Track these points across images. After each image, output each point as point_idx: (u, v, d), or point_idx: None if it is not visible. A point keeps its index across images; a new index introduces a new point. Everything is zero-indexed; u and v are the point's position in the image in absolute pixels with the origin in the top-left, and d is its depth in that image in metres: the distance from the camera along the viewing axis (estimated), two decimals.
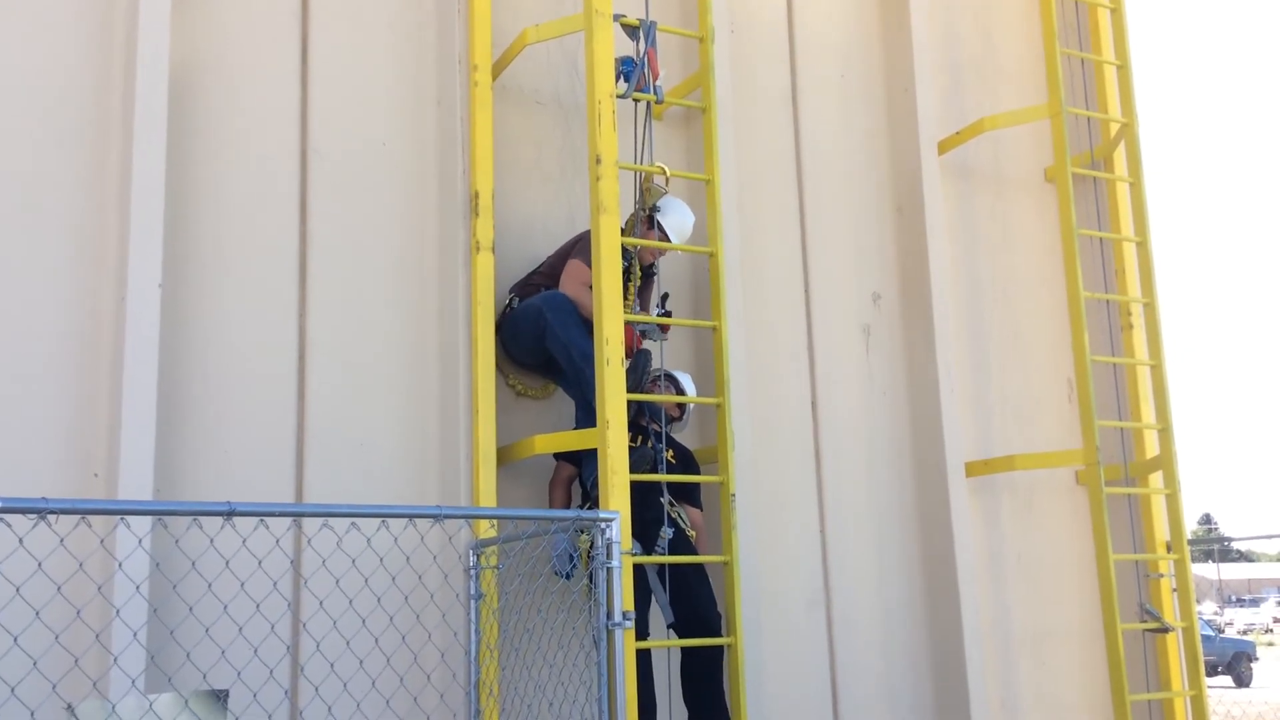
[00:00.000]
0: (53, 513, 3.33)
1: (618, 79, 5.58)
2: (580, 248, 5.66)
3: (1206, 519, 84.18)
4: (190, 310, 5.24)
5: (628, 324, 5.38)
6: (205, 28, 5.54)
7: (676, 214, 5.92)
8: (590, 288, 5.36)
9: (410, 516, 4.29)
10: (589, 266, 5.48)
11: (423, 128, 5.95)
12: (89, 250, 5.06)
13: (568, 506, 5.65)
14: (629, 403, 5.22)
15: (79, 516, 3.57)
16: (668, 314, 5.75)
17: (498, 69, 6.01)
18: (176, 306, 5.17)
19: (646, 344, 5.67)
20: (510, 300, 5.82)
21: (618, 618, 4.37)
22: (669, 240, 5.87)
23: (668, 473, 5.53)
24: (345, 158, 5.75)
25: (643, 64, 5.70)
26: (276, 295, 5.48)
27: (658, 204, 5.86)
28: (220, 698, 3.74)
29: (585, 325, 5.45)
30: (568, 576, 5.09)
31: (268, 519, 3.91)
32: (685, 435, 6.07)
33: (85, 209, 5.09)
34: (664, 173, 5.78)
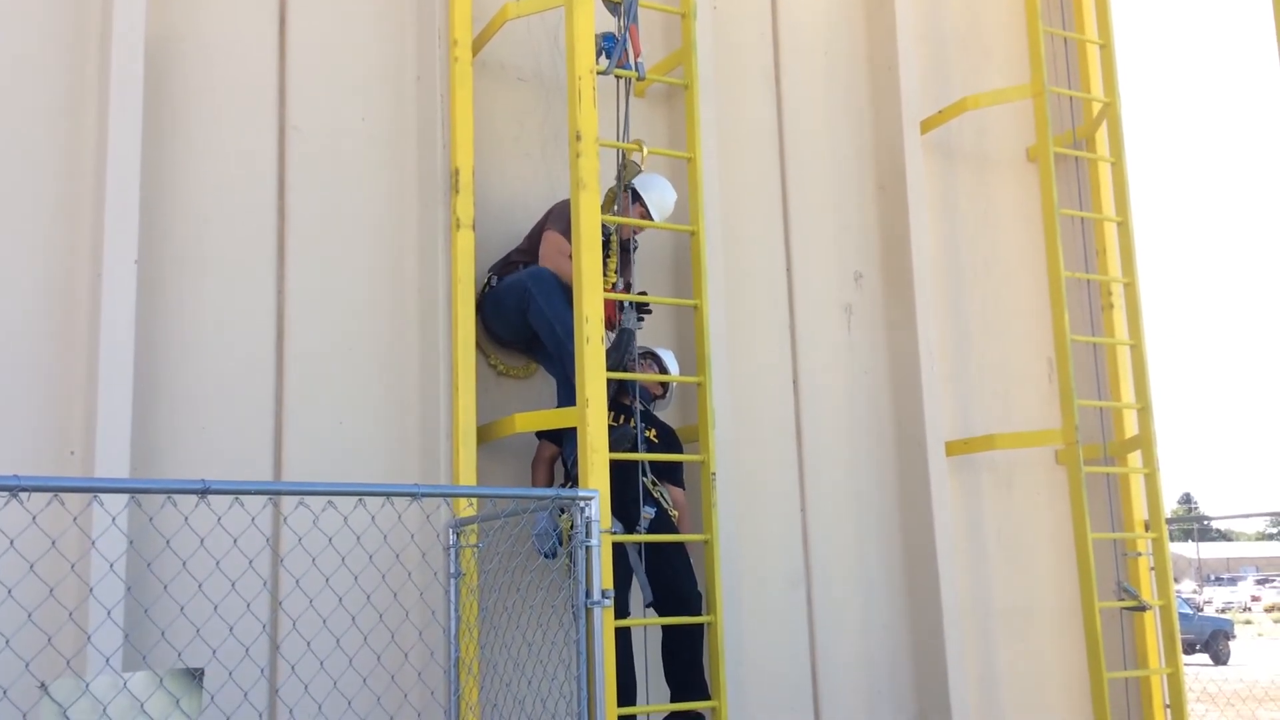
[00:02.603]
0: (25, 490, 3.30)
1: (599, 55, 5.54)
2: (554, 217, 5.64)
3: (1186, 498, 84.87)
4: (167, 287, 5.20)
5: (607, 299, 5.36)
6: (182, 2, 5.47)
7: (658, 190, 5.89)
8: (569, 257, 5.34)
9: (387, 495, 4.27)
10: (564, 236, 5.46)
11: (402, 104, 5.91)
12: (64, 227, 5.02)
13: (550, 485, 5.64)
14: (610, 381, 5.20)
15: (52, 494, 3.53)
16: (643, 293, 5.75)
17: (478, 45, 5.96)
18: (153, 283, 5.13)
19: (626, 321, 5.65)
20: (489, 279, 5.79)
21: (597, 596, 4.36)
22: (650, 216, 5.84)
23: (650, 451, 5.52)
24: (324, 134, 5.71)
25: (624, 40, 5.66)
26: (254, 272, 5.44)
27: (638, 180, 5.84)
28: (196, 676, 3.72)
29: (570, 299, 5.43)
30: (550, 555, 5.08)
31: (243, 497, 3.87)
32: (666, 414, 6.06)
33: (61, 185, 5.04)
34: (641, 149, 5.74)
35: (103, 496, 4.00)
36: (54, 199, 5.02)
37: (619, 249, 5.79)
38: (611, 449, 5.08)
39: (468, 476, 5.39)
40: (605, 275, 5.64)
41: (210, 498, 3.68)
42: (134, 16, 5.10)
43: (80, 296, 4.95)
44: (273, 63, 5.67)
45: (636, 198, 5.83)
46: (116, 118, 4.99)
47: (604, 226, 5.54)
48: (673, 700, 5.44)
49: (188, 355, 5.21)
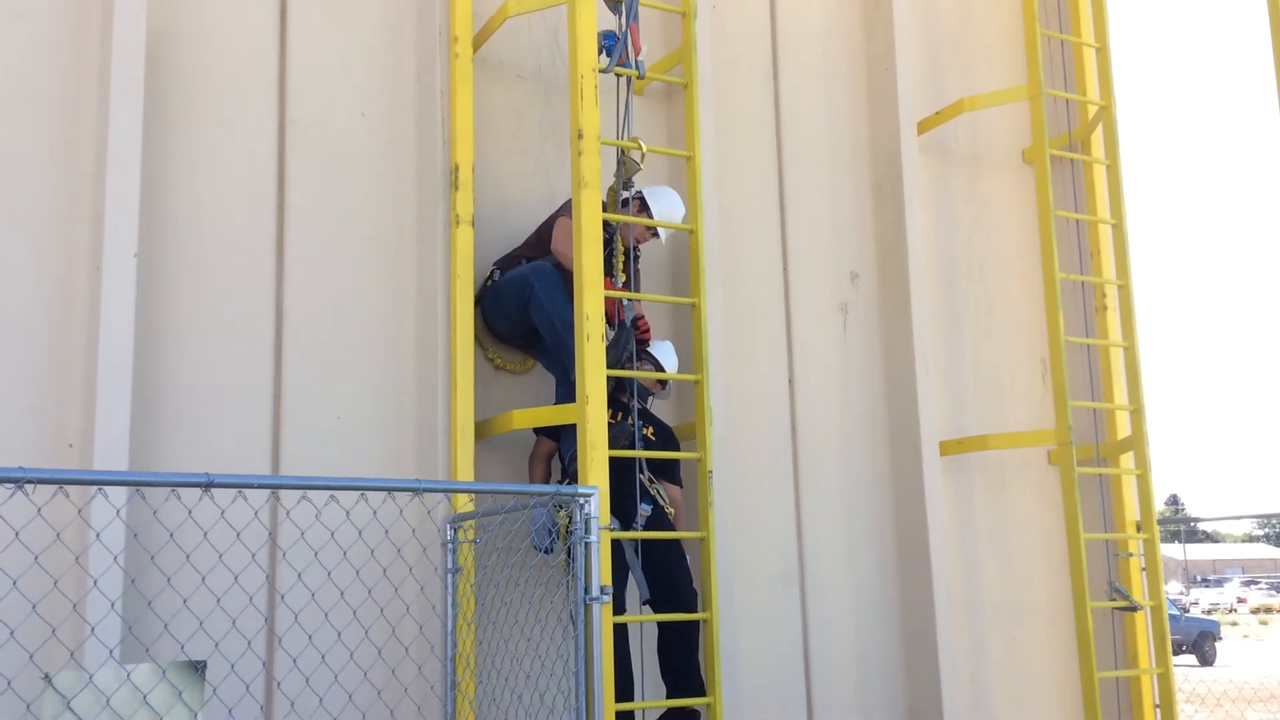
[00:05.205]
0: (30, 482, 3.31)
1: (600, 53, 5.56)
2: (567, 208, 5.64)
3: (1173, 500, 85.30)
4: (167, 281, 5.20)
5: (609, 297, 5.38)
6: None
7: (667, 202, 5.87)
8: None
9: (389, 490, 4.28)
10: None
11: (403, 100, 5.92)
12: (64, 220, 5.01)
13: (547, 481, 5.67)
14: (608, 378, 5.22)
15: (56, 486, 3.55)
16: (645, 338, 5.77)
17: (479, 41, 5.98)
18: (153, 277, 5.14)
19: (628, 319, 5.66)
20: (492, 273, 5.80)
21: (595, 592, 4.38)
22: (655, 228, 5.82)
23: (647, 449, 5.54)
24: (324, 129, 5.71)
25: (625, 39, 5.68)
26: (254, 267, 5.44)
27: (648, 190, 5.84)
28: (198, 668, 3.74)
29: (571, 296, 5.44)
30: (547, 551, 5.11)
31: (246, 490, 3.89)
32: (664, 412, 6.08)
33: (61, 178, 5.04)
34: (640, 147, 5.76)
35: (106, 489, 4.00)
36: (54, 192, 5.02)
37: (624, 254, 5.79)
38: (610, 446, 5.10)
39: (465, 473, 5.41)
40: (614, 274, 5.66)
41: (213, 491, 3.70)
42: (135, 11, 5.09)
43: (80, 290, 4.95)
44: (273, 58, 5.67)
45: (644, 207, 5.84)
46: (117, 112, 4.99)
47: (606, 225, 5.55)
48: (669, 696, 5.47)
49: (187, 349, 5.21)
